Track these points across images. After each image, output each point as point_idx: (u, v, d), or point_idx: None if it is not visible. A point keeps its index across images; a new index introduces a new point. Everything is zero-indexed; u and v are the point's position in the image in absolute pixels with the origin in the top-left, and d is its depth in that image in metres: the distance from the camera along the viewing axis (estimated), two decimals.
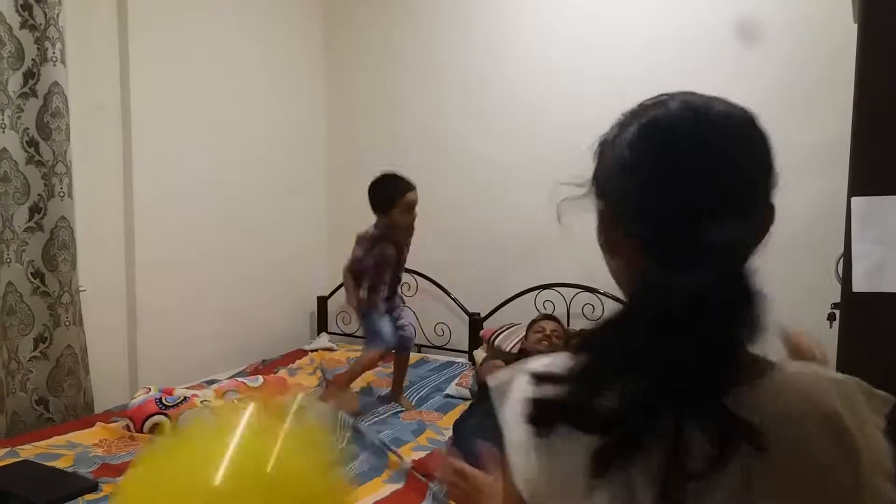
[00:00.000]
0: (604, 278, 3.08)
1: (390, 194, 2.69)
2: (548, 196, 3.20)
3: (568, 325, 3.19)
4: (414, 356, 3.52)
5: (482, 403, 2.58)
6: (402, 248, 2.84)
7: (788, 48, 2.83)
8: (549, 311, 3.23)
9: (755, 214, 0.79)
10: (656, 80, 3.18)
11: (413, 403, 2.89)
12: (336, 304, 3.92)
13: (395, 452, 2.22)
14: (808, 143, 2.80)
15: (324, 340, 3.77)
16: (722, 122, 0.81)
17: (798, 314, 2.87)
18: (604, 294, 3.17)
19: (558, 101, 3.28)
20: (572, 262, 3.27)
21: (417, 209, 2.75)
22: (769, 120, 2.96)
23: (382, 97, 3.79)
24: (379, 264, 2.78)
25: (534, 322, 2.94)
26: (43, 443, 2.30)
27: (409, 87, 3.70)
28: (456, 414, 2.63)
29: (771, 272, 2.84)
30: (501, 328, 3.25)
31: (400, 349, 2.94)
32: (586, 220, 3.16)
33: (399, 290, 2.97)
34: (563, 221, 3.33)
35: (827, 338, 2.38)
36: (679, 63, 3.02)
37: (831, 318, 2.34)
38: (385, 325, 2.84)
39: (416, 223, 2.80)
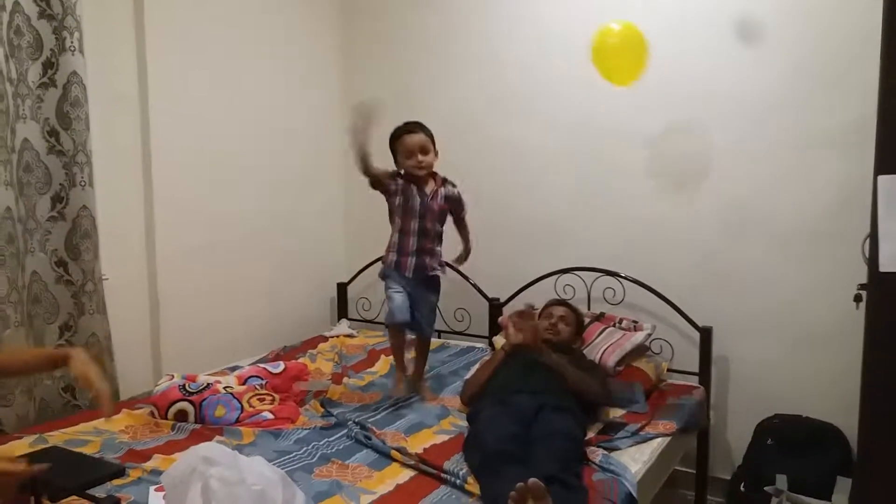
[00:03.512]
0: (625, 261, 3.09)
1: (391, 137, 2.67)
2: (570, 180, 3.22)
3: (589, 309, 3.18)
4: (434, 341, 3.53)
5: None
6: (425, 195, 2.64)
7: (813, 28, 2.77)
8: (569, 296, 3.21)
9: None
10: (683, 64, 3.19)
11: (434, 393, 2.80)
12: (356, 290, 3.92)
13: (398, 450, 2.19)
14: (834, 124, 2.76)
15: (344, 327, 3.79)
16: None
17: (823, 296, 2.87)
18: (625, 278, 3.14)
19: (582, 84, 3.23)
20: (594, 245, 3.26)
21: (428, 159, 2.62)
22: (795, 101, 2.93)
23: (400, 84, 3.77)
24: (403, 203, 2.64)
25: (545, 308, 2.92)
26: (70, 429, 2.33)
27: (428, 72, 3.68)
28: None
29: (798, 254, 2.83)
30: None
31: (413, 330, 2.80)
32: (607, 204, 3.17)
33: (434, 256, 2.71)
34: (586, 205, 3.35)
35: (852, 320, 2.36)
36: (702, 46, 2.97)
37: (858, 299, 2.31)
38: (394, 294, 2.66)
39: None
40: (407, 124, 2.65)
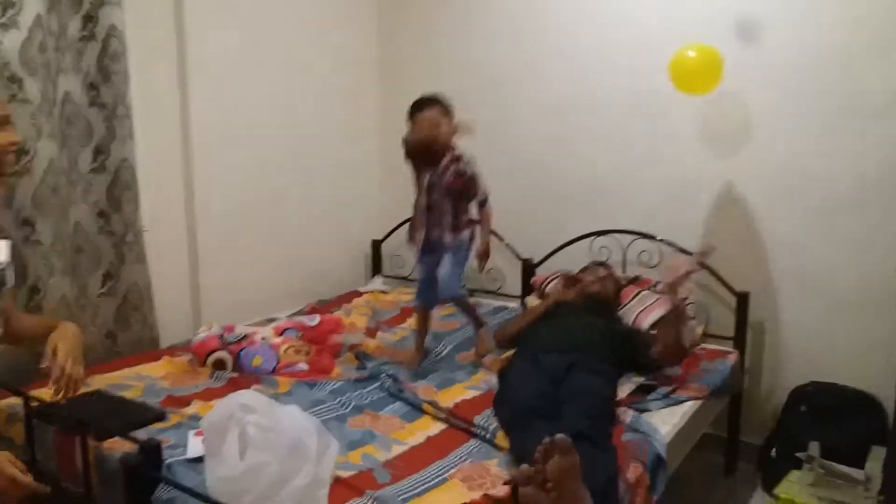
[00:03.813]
0: (660, 224, 3.04)
1: (408, 113, 2.60)
2: (608, 140, 3.18)
3: (624, 272, 3.16)
4: None
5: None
6: (435, 171, 2.56)
7: None
8: (603, 258, 3.19)
9: None
10: (724, 24, 3.09)
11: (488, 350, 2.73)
12: (390, 247, 3.94)
13: (430, 404, 2.23)
14: (884, 88, 2.66)
15: (378, 283, 3.82)
16: None
17: (862, 263, 2.81)
18: (661, 241, 3.10)
19: (624, 44, 3.17)
20: (629, 207, 3.22)
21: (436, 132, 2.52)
22: (845, 65, 2.83)
23: (437, 39, 3.73)
24: (419, 181, 2.61)
25: (586, 268, 2.92)
26: (113, 374, 2.41)
27: (465, 29, 3.62)
28: (506, 355, 2.64)
29: (840, 220, 2.77)
30: (553, 274, 3.22)
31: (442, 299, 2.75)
32: (645, 166, 3.12)
33: (441, 235, 2.59)
34: (623, 166, 3.32)
35: (891, 288, 2.31)
36: (748, 5, 2.87)
37: None
38: (418, 274, 2.72)
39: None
40: (420, 100, 2.57)
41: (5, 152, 1.78)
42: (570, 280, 2.68)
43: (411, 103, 2.58)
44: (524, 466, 1.65)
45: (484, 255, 2.68)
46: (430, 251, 2.62)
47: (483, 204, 2.65)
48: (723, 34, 2.92)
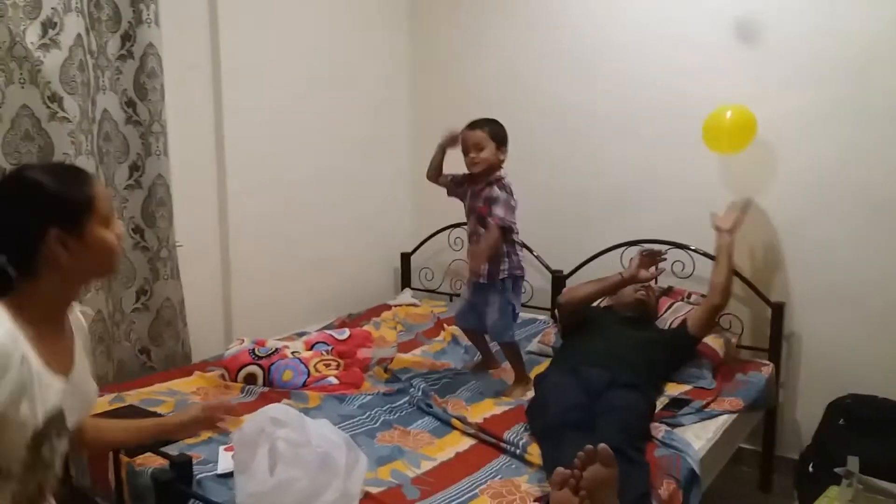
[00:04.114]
0: (696, 234, 2.99)
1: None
2: (639, 148, 3.14)
3: (656, 282, 3.12)
4: None
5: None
6: (473, 196, 2.56)
7: None
8: None
9: None
10: (761, 22, 3.03)
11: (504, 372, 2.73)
12: (419, 260, 3.95)
13: (459, 419, 2.23)
14: None
15: (407, 296, 3.83)
16: None
17: (889, 264, 2.72)
18: (695, 251, 3.06)
19: (651, 51, 3.15)
20: (662, 216, 3.18)
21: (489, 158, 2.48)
22: (886, 65, 2.77)
23: (467, 49, 3.74)
24: (464, 205, 2.63)
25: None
26: (146, 389, 2.44)
27: (495, 38, 3.63)
28: (539, 370, 2.62)
29: (880, 229, 2.71)
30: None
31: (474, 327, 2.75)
32: (677, 173, 3.08)
33: (482, 272, 2.51)
34: (654, 175, 3.27)
35: None
36: (786, 7, 2.83)
37: None
38: (460, 300, 2.78)
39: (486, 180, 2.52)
40: (473, 121, 2.55)
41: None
42: (647, 259, 2.65)
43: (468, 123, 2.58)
44: (560, 469, 1.64)
45: (474, 273, 2.53)
46: (473, 279, 2.58)
47: (486, 225, 2.50)
48: (754, 32, 2.88)
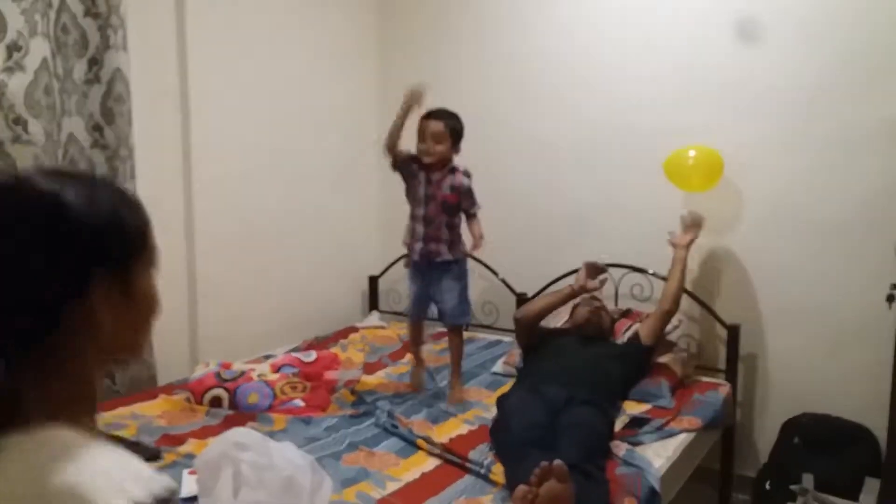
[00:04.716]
0: (653, 258, 3.08)
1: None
2: (599, 175, 3.23)
3: (616, 305, 3.19)
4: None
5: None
6: (431, 182, 2.61)
7: (851, 22, 2.74)
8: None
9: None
10: (715, 58, 3.14)
11: (464, 397, 2.72)
12: (387, 282, 3.98)
13: (424, 439, 2.25)
14: (873, 117, 2.72)
15: (374, 318, 3.85)
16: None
17: (854, 295, 2.85)
18: (653, 275, 3.14)
19: (610, 80, 3.24)
20: (621, 241, 3.26)
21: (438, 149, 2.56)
22: (832, 96, 2.89)
23: (433, 78, 3.78)
24: (412, 190, 2.66)
25: (579, 302, 2.96)
26: (109, 413, 2.42)
27: (459, 68, 3.71)
28: (503, 391, 2.66)
29: (830, 252, 2.82)
30: None
31: (442, 322, 2.81)
32: (636, 199, 3.17)
33: (439, 248, 2.65)
34: (614, 201, 3.36)
35: (884, 319, 2.35)
36: (737, 39, 2.94)
37: (890, 299, 2.30)
38: (410, 289, 2.79)
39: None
40: (434, 110, 2.62)
41: None
42: (593, 269, 2.76)
43: (431, 110, 2.62)
44: (521, 486, 1.68)
45: (477, 246, 2.67)
46: (425, 266, 2.69)
47: (473, 216, 2.69)
48: (709, 66, 3.00)
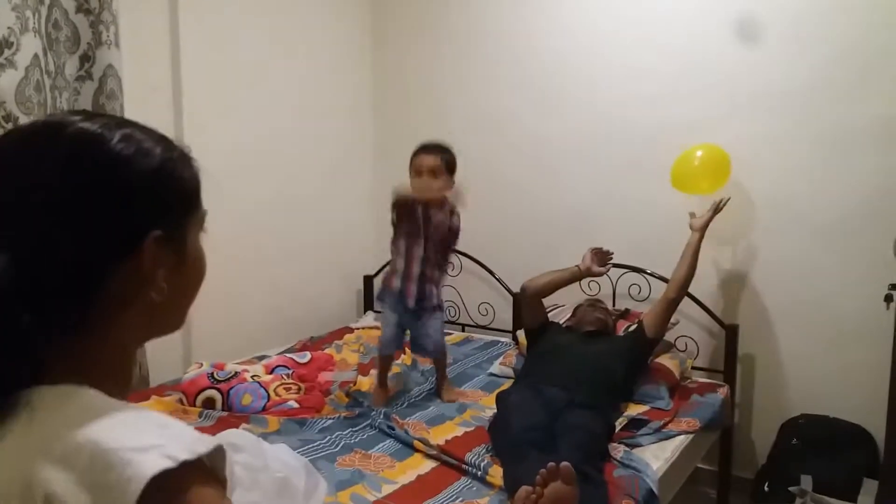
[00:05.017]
0: (651, 258, 3.06)
1: (413, 153, 2.57)
2: (596, 174, 3.20)
3: (613, 305, 3.17)
4: (458, 335, 3.56)
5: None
6: (430, 221, 2.56)
7: (848, 21, 2.72)
8: (593, 292, 3.21)
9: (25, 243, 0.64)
10: (715, 57, 3.13)
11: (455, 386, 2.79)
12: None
13: (421, 441, 2.23)
14: (868, 115, 2.70)
15: (369, 319, 3.82)
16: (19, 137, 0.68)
17: (852, 295, 2.83)
18: (650, 274, 3.12)
19: (609, 80, 3.23)
20: (619, 241, 3.22)
21: (448, 186, 2.51)
22: (828, 95, 2.88)
23: (431, 74, 3.78)
24: (409, 229, 2.57)
25: (583, 303, 2.95)
26: None
27: (458, 63, 3.68)
28: (502, 389, 2.64)
29: (828, 252, 2.80)
30: (547, 309, 3.23)
31: (419, 355, 2.83)
32: (635, 199, 3.14)
33: (431, 288, 2.63)
34: (611, 200, 3.33)
35: (883, 320, 2.33)
36: (735, 39, 2.93)
37: (888, 299, 2.28)
38: (387, 323, 2.65)
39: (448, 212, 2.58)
40: (426, 144, 2.56)
41: None
42: (599, 255, 2.76)
43: (421, 145, 2.57)
44: (525, 486, 1.66)
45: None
46: (415, 305, 2.61)
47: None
48: (709, 65, 2.99)
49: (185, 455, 0.60)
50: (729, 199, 2.81)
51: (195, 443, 0.63)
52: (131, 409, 0.66)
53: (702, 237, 2.76)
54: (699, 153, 2.87)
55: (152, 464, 0.58)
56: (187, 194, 0.78)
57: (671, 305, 2.73)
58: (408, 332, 2.73)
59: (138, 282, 0.69)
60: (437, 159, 2.50)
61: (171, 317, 0.78)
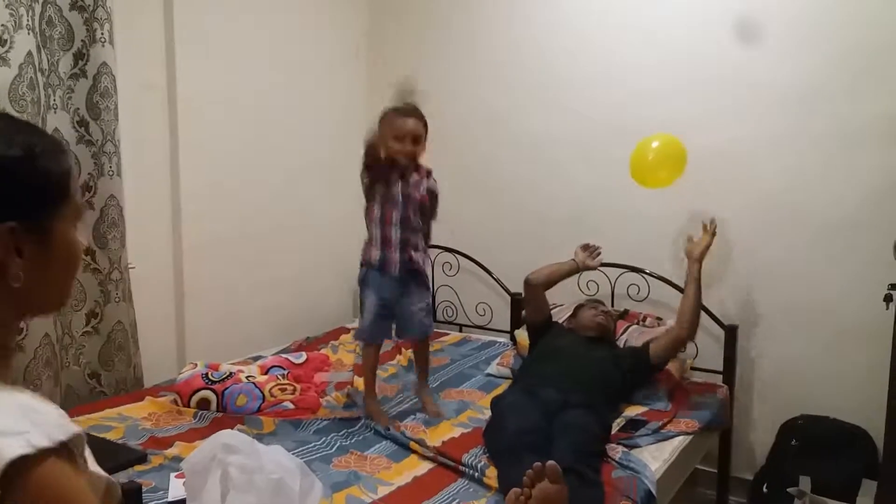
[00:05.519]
0: (650, 258, 3.04)
1: (387, 110, 2.40)
2: (595, 173, 3.18)
3: (612, 305, 3.15)
4: (455, 335, 3.54)
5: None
6: (407, 182, 2.42)
7: (851, 18, 2.71)
8: (592, 292, 3.19)
9: None
10: (715, 54, 3.10)
11: (437, 405, 2.57)
12: None
13: (417, 442, 2.21)
14: (868, 114, 2.69)
15: None
16: None
17: (852, 295, 2.82)
18: (650, 274, 3.11)
19: (607, 78, 3.21)
20: (617, 241, 3.22)
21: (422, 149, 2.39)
22: (831, 94, 2.85)
23: (425, 78, 3.74)
24: (383, 190, 2.42)
25: (582, 305, 2.92)
26: (95, 415, 2.38)
27: (451, 65, 3.66)
28: (497, 392, 2.62)
29: (828, 253, 2.78)
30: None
31: (402, 338, 2.63)
32: (635, 199, 3.11)
33: (419, 250, 2.47)
34: (611, 200, 3.31)
35: (883, 320, 2.32)
36: (736, 37, 2.91)
37: (888, 299, 2.27)
38: (368, 306, 2.43)
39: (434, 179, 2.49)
40: (407, 107, 2.40)
41: None
42: (589, 249, 2.80)
43: (398, 108, 2.40)
44: (514, 489, 1.65)
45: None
46: (397, 277, 2.44)
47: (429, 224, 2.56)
48: (708, 64, 2.97)
49: (44, 442, 0.66)
50: (714, 221, 2.77)
51: (56, 430, 0.68)
52: (3, 393, 0.72)
53: (701, 266, 2.70)
54: (655, 144, 2.74)
55: (11, 450, 0.64)
56: (52, 186, 0.78)
57: (679, 343, 2.68)
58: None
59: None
60: (420, 124, 2.38)
61: (40, 299, 0.81)
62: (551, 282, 2.78)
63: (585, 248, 2.80)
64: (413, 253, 2.45)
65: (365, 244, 2.54)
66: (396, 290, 2.46)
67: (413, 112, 2.40)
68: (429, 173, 2.50)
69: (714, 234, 2.75)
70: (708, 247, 2.73)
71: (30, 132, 0.79)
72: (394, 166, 2.39)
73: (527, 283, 2.80)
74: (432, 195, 2.50)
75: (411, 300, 2.49)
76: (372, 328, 2.46)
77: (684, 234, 2.84)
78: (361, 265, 2.54)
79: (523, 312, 3.32)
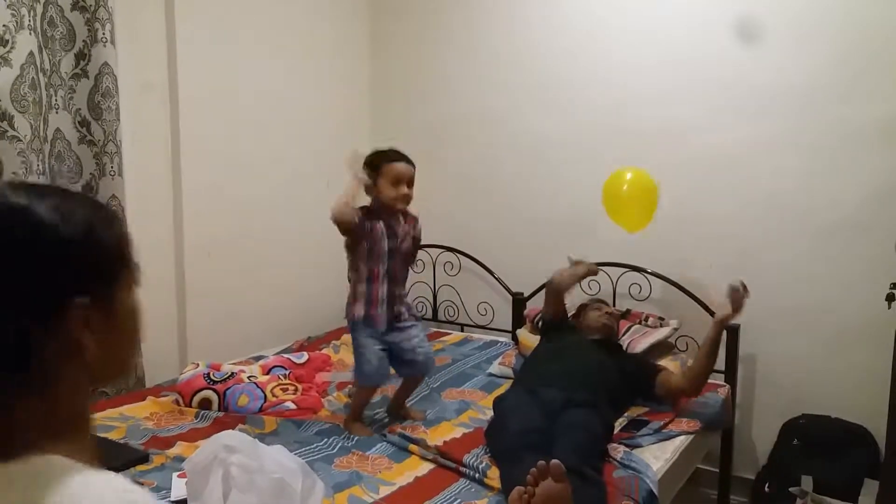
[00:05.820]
0: (651, 257, 3.03)
1: (377, 158, 2.34)
2: (596, 173, 3.18)
3: (614, 305, 3.15)
4: (457, 335, 3.54)
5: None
6: (396, 235, 2.35)
7: (852, 20, 2.70)
8: (594, 292, 3.19)
9: None
10: (716, 55, 3.10)
11: (420, 410, 2.53)
12: None
13: (416, 443, 2.20)
14: (868, 115, 2.69)
15: None
16: None
17: (853, 295, 2.81)
18: (651, 273, 3.11)
19: (607, 77, 3.21)
20: (618, 240, 3.21)
21: (415, 192, 2.34)
22: (832, 94, 2.84)
23: (426, 78, 3.77)
24: (370, 246, 2.33)
25: (586, 305, 2.92)
26: (97, 415, 2.35)
27: (452, 65, 3.66)
28: (499, 392, 2.62)
29: (831, 252, 2.78)
30: None
31: (406, 375, 2.48)
32: None
33: (405, 303, 2.41)
34: None
35: (884, 319, 2.32)
36: (736, 37, 2.91)
37: (890, 298, 2.26)
38: (369, 351, 2.31)
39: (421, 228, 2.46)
40: (395, 152, 2.36)
41: None
42: (576, 261, 2.84)
43: (391, 153, 2.37)
44: (517, 488, 1.65)
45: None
46: (387, 328, 2.36)
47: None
48: (708, 65, 2.97)
49: None
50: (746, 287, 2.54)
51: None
52: (95, 476, 0.69)
53: (722, 330, 2.56)
54: (625, 186, 2.81)
55: None
56: (112, 258, 0.79)
57: (682, 395, 2.58)
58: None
59: (70, 344, 0.72)
60: (413, 169, 2.34)
61: (110, 368, 0.81)
62: (571, 286, 2.82)
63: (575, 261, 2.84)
64: (398, 307, 2.38)
65: (348, 303, 2.39)
66: (389, 340, 2.38)
67: (404, 157, 2.34)
68: (416, 220, 2.44)
69: (746, 294, 2.54)
70: (736, 314, 2.55)
71: (86, 205, 0.78)
72: (379, 218, 2.33)
73: (550, 283, 2.82)
74: (416, 242, 2.45)
75: (413, 346, 2.38)
76: (378, 373, 2.35)
77: (737, 279, 2.58)
78: (347, 319, 2.42)
79: (525, 311, 3.33)
